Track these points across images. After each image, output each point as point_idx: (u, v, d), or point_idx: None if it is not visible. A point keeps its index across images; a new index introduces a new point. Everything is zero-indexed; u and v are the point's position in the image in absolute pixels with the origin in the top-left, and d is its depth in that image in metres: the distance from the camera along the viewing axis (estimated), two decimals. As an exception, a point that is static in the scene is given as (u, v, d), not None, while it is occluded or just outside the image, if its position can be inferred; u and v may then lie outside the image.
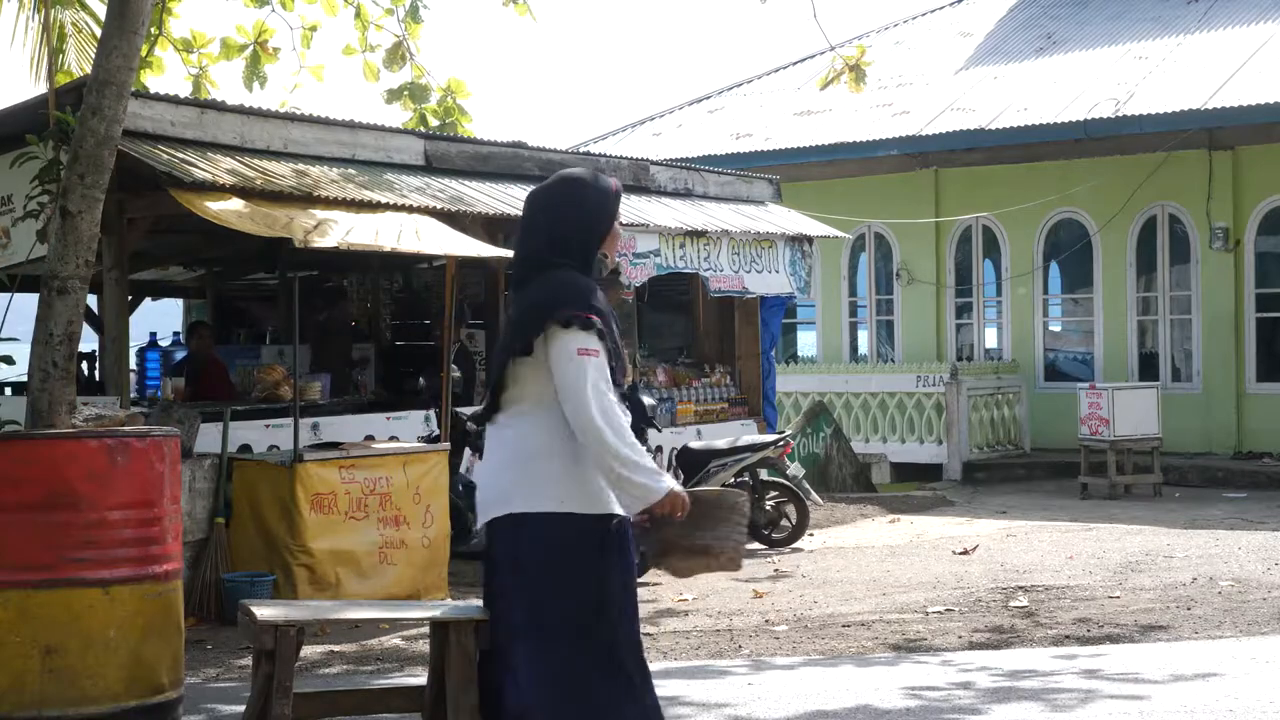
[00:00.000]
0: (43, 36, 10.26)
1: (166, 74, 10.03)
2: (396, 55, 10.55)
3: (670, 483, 4.08)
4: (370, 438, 10.63)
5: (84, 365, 12.08)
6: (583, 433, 4.03)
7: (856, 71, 9.58)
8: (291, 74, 10.61)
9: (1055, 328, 19.04)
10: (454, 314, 10.57)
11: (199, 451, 9.03)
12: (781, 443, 11.92)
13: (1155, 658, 7.18)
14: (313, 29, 10.45)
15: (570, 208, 4.27)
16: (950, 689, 6.54)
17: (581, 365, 4.02)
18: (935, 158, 18.80)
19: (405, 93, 10.81)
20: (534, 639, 4.14)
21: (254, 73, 10.05)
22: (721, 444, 11.78)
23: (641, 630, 4.33)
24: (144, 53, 9.00)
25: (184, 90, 10.18)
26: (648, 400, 12.65)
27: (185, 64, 10.23)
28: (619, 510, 4.13)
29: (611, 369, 4.14)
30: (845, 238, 16.94)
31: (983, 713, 6.09)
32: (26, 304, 6.77)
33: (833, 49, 9.80)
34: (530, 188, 13.49)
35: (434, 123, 11.11)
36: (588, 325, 4.06)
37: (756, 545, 11.29)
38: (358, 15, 10.58)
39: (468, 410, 11.01)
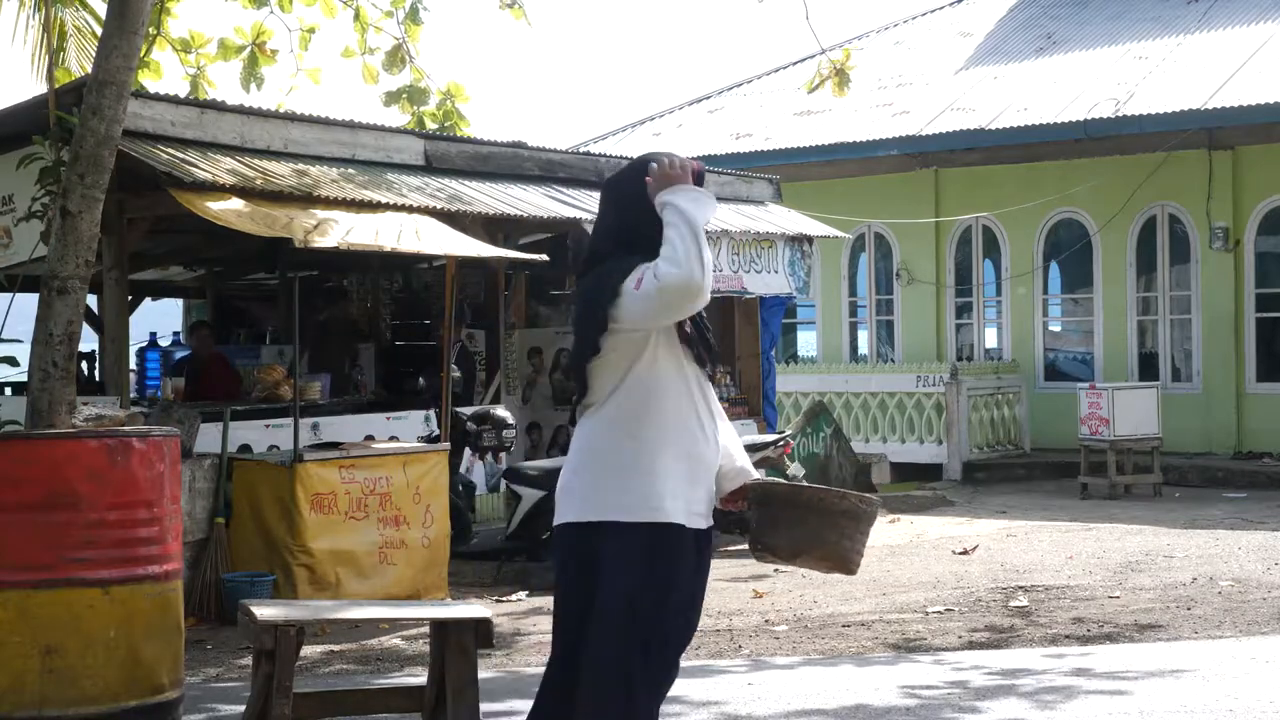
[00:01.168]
0: (43, 35, 10.26)
1: (164, 78, 10.01)
2: (396, 58, 10.54)
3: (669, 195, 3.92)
4: (370, 438, 10.64)
5: (83, 365, 12.09)
6: (669, 303, 3.85)
7: (841, 76, 9.57)
8: (289, 75, 10.58)
9: (1055, 328, 19.04)
10: (454, 314, 10.57)
11: (199, 451, 9.03)
12: (781, 443, 11.92)
13: (1154, 657, 7.18)
14: (311, 31, 10.43)
15: (637, 194, 4.05)
16: (949, 689, 6.55)
17: (637, 294, 3.86)
18: (935, 158, 18.80)
19: (404, 95, 10.80)
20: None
21: (251, 74, 10.04)
22: (721, 444, 11.76)
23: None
24: (142, 54, 9.00)
25: (181, 91, 10.18)
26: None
27: (183, 64, 10.22)
28: (657, 518, 3.92)
29: (698, 356, 4.02)
30: (845, 238, 16.93)
31: (981, 712, 6.09)
32: (26, 304, 6.77)
33: (823, 52, 9.78)
34: (528, 188, 13.39)
35: (432, 126, 11.10)
36: (634, 270, 3.90)
37: (756, 545, 11.29)
38: (357, 17, 10.56)
39: (468, 410, 11.02)
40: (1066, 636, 7.85)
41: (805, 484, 4.16)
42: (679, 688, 6.45)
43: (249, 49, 10.14)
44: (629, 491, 3.93)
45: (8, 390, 11.36)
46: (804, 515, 4.07)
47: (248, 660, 6.75)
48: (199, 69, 10.23)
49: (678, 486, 3.96)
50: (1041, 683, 6.64)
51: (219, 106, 10.02)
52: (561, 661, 4.06)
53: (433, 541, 9.30)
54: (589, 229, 11.64)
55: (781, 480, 4.20)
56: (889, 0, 30.46)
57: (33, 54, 10.89)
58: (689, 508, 3.98)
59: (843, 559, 4.12)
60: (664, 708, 4.42)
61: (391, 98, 10.86)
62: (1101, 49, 19.29)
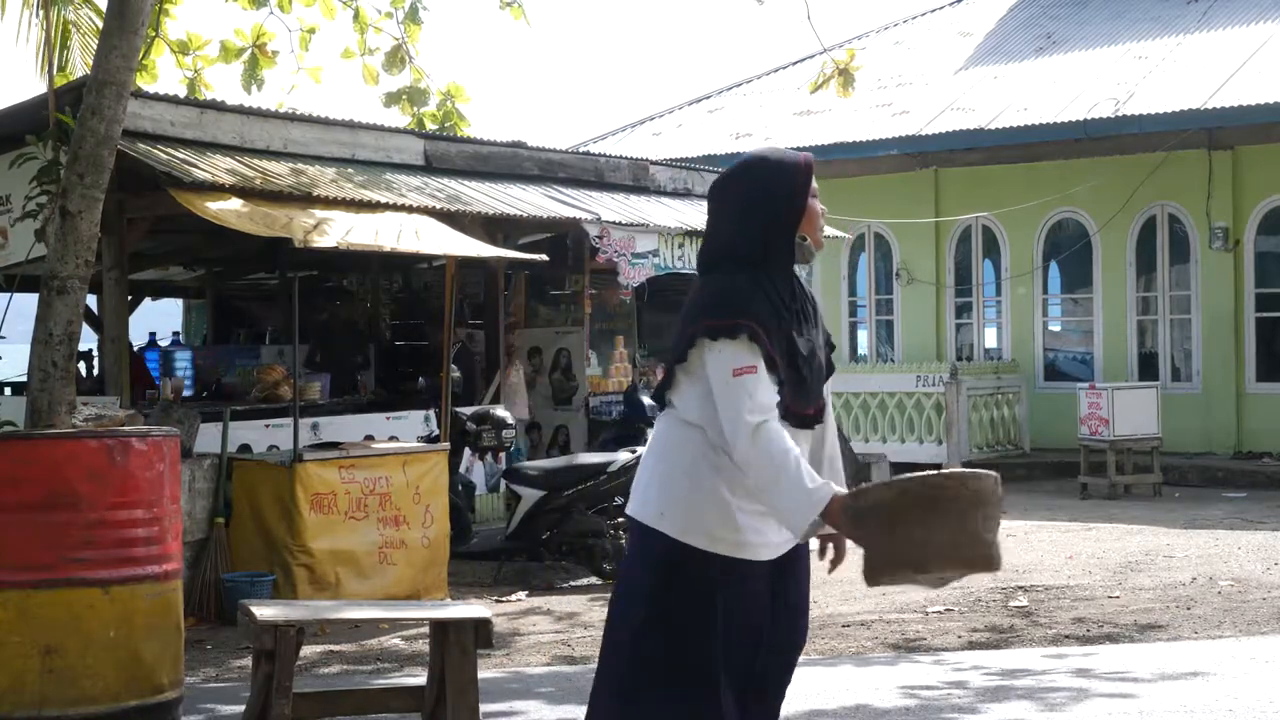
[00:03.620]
0: (45, 34, 10.25)
1: (161, 79, 9.98)
2: (396, 58, 10.53)
3: (825, 494, 3.50)
4: (370, 438, 10.64)
5: (80, 365, 12.07)
6: (740, 466, 3.63)
7: (845, 76, 9.55)
8: (290, 74, 10.56)
9: (1055, 328, 19.03)
10: (454, 314, 10.57)
11: (199, 451, 9.03)
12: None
13: (1154, 657, 7.18)
14: (311, 31, 10.42)
15: (748, 195, 3.84)
16: (949, 689, 6.55)
17: (736, 389, 3.60)
18: (935, 158, 18.80)
19: (404, 96, 10.79)
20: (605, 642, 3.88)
21: (252, 76, 10.03)
22: (721, 444, 11.72)
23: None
24: (140, 56, 8.98)
25: (178, 93, 10.17)
26: (647, 400, 12.64)
27: (180, 66, 10.20)
28: (729, 552, 3.69)
29: (780, 382, 3.67)
30: (845, 238, 16.94)
31: (981, 712, 6.09)
32: (26, 304, 6.78)
33: (825, 52, 9.77)
34: (528, 187, 13.35)
35: (432, 127, 11.09)
36: (733, 333, 3.64)
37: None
38: (356, 17, 10.55)
39: (468, 410, 11.02)
40: (1066, 637, 7.84)
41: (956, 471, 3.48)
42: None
43: (249, 51, 10.12)
44: (695, 516, 3.73)
45: (8, 390, 11.36)
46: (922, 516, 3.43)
47: (247, 660, 6.75)
48: (196, 71, 10.21)
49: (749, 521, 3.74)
50: (1041, 683, 6.64)
51: (219, 106, 10.03)
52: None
53: (433, 541, 9.30)
54: (589, 229, 11.66)
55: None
56: (889, 0, 30.47)
57: (37, 51, 10.88)
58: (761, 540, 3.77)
59: (995, 553, 3.49)
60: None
61: (392, 98, 10.85)
62: (1101, 49, 19.29)
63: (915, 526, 3.40)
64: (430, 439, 10.71)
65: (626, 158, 14.29)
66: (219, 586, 8.62)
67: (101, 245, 7.95)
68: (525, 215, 11.19)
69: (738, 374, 3.61)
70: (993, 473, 3.54)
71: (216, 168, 9.30)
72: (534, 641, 7.99)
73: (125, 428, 5.85)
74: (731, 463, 3.67)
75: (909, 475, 3.51)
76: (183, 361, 14.57)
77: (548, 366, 13.85)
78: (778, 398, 3.66)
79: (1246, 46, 17.62)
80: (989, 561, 3.46)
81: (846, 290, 20.06)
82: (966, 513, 3.42)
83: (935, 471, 3.54)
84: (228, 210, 8.82)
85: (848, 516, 3.49)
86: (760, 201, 3.83)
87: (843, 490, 3.56)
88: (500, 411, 10.95)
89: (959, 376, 17.23)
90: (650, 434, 3.93)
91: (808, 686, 6.64)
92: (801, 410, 3.76)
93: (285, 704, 4.95)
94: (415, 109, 10.89)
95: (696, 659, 3.70)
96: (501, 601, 9.37)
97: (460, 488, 10.71)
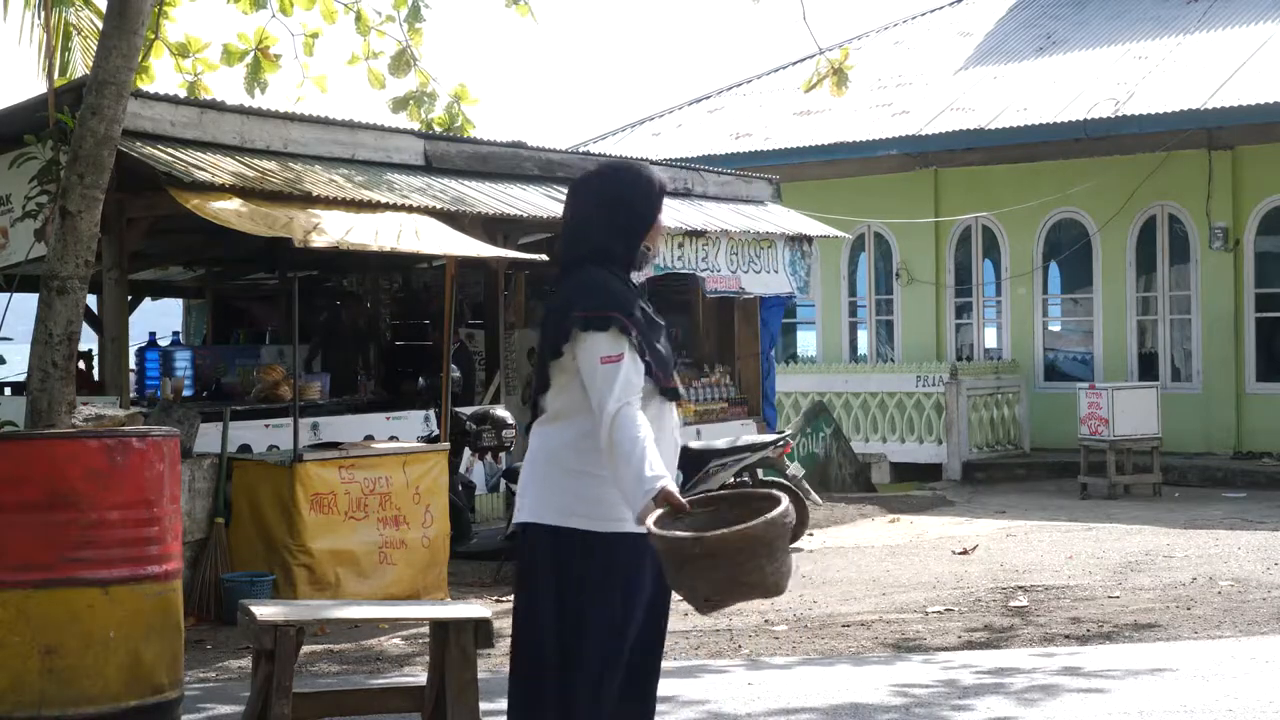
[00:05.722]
0: (45, 36, 10.24)
1: (159, 82, 9.94)
2: (401, 62, 10.50)
3: (654, 486, 3.79)
4: (370, 438, 10.64)
5: (80, 365, 12.05)
6: (602, 447, 3.92)
7: (839, 75, 9.54)
8: (295, 85, 10.49)
9: (1055, 327, 19.05)
10: (454, 314, 10.57)
11: (199, 451, 9.03)
12: (781, 443, 11.91)
13: (1153, 657, 7.18)
14: (314, 36, 10.38)
15: (617, 200, 4.16)
16: (946, 689, 6.55)
17: (605, 375, 3.91)
18: (935, 158, 18.81)
19: (411, 101, 10.76)
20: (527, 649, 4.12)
21: (255, 80, 10.01)
22: (721, 444, 11.77)
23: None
24: (140, 58, 8.97)
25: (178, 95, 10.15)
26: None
27: (178, 70, 10.17)
28: (632, 528, 3.91)
29: (649, 364, 3.99)
30: (845, 238, 16.94)
31: (976, 711, 6.09)
32: (26, 304, 6.78)
33: (821, 53, 9.76)
34: (528, 187, 13.30)
35: (439, 131, 11.07)
36: (604, 325, 3.95)
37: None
38: (358, 19, 10.51)
39: (467, 410, 11.02)
40: (1065, 636, 7.85)
41: (759, 522, 3.72)
42: (677, 687, 6.46)
43: (252, 54, 10.10)
44: (597, 504, 4.03)
45: (7, 390, 11.35)
46: (778, 543, 3.74)
47: (247, 660, 6.76)
48: (196, 75, 10.18)
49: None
50: (1037, 682, 6.64)
51: (219, 107, 10.02)
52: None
53: (432, 541, 9.30)
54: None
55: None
56: (889, 0, 30.47)
57: (39, 51, 10.87)
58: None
59: (784, 580, 3.79)
60: (660, 707, 4.42)
61: (399, 103, 10.81)
62: (1101, 49, 19.30)
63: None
64: (430, 439, 10.71)
65: (627, 158, 14.29)
66: (219, 586, 8.63)
67: (101, 245, 7.95)
68: (526, 215, 11.19)
69: (605, 361, 3.94)
70: (776, 512, 3.73)
71: (217, 168, 9.30)
72: (534, 641, 7.98)
73: (125, 428, 5.85)
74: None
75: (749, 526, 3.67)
76: (183, 361, 14.57)
77: (548, 366, 13.79)
78: (643, 382, 3.97)
79: (1246, 46, 17.63)
80: (765, 591, 3.77)
81: (846, 290, 20.06)
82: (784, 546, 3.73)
83: (770, 517, 3.71)
84: (228, 210, 8.81)
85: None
86: (624, 207, 4.16)
87: (673, 486, 3.83)
88: (500, 411, 10.95)
89: (959, 376, 17.25)
90: (535, 442, 4.16)
91: (805, 686, 6.65)
92: (667, 384, 4.08)
93: (285, 704, 4.95)
94: (423, 115, 10.85)
95: (614, 644, 4.04)
96: (501, 601, 9.37)
97: (460, 488, 10.71)
